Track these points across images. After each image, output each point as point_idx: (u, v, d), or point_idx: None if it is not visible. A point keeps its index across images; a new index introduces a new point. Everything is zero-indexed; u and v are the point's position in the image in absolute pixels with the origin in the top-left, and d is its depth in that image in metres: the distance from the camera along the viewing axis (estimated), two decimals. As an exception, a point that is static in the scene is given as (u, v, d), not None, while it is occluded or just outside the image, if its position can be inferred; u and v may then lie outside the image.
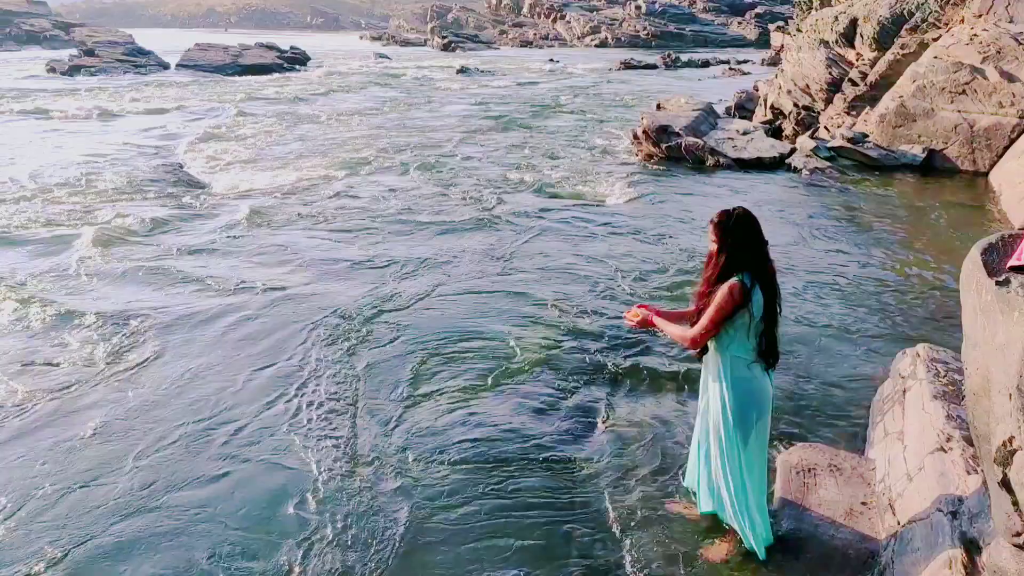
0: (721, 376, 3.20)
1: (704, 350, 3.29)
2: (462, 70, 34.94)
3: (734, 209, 3.21)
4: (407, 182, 11.61)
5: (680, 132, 13.51)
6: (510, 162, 13.16)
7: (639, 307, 3.43)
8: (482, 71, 35.46)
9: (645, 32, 61.61)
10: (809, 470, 3.86)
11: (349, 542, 3.57)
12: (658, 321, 3.35)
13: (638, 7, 66.93)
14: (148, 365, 5.40)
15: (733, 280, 3.07)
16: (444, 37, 62.13)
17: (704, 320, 3.13)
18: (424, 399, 4.95)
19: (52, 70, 32.30)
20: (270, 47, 40.96)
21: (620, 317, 6.24)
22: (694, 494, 3.61)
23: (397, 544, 3.56)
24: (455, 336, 5.92)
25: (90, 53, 35.71)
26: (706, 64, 40.14)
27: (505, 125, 17.95)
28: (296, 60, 39.68)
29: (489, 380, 5.20)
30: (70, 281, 7.12)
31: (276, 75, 33.83)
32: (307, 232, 8.87)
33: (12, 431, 4.53)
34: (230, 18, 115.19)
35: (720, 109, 18.01)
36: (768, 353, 3.17)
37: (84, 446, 4.38)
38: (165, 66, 35.71)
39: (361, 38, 79.85)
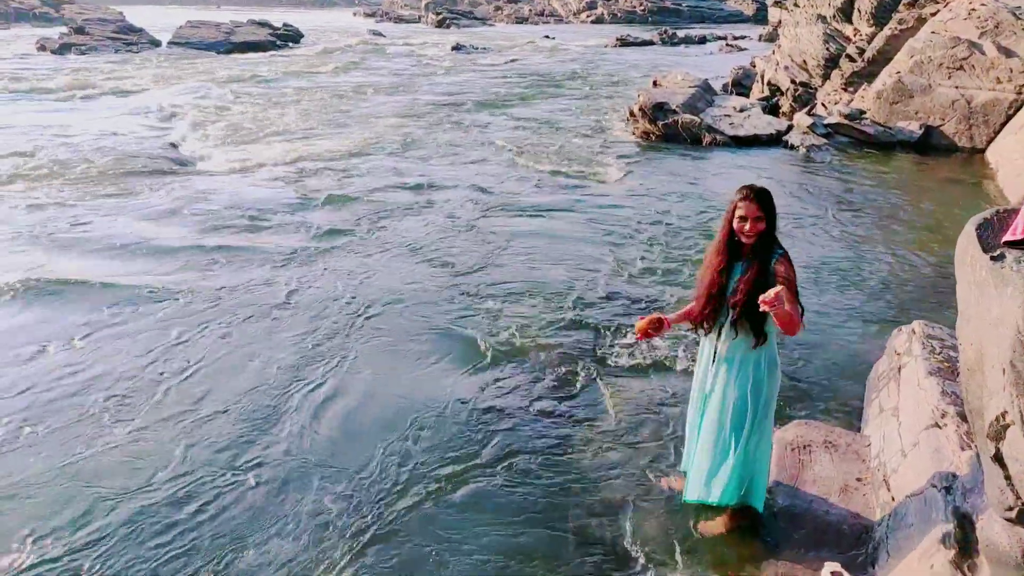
0: (760, 356, 3.16)
1: (710, 329, 3.25)
2: (456, 47, 34.58)
3: (755, 185, 3.16)
4: (395, 161, 11.53)
5: (676, 109, 13.43)
6: (503, 141, 13.07)
7: (643, 319, 3.28)
8: (477, 48, 35.09)
9: (642, 8, 61.06)
10: (804, 447, 3.88)
11: (347, 523, 3.59)
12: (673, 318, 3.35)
13: (635, -18, 66.24)
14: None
15: (783, 253, 3.07)
16: (438, 14, 61.42)
17: (794, 298, 2.93)
18: (419, 380, 4.95)
19: (42, 48, 31.87)
20: (262, 24, 40.44)
21: (618, 297, 6.26)
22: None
23: (395, 519, 3.58)
24: (450, 320, 5.91)
25: (80, 31, 35.19)
26: (703, 40, 39.81)
27: (499, 103, 17.81)
28: (289, 37, 39.23)
29: (487, 360, 5.20)
30: (77, 258, 7.08)
31: (269, 52, 33.46)
32: (300, 209, 8.81)
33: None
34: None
35: (717, 86, 17.90)
36: None
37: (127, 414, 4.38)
38: (156, 44, 35.25)
39: (355, 15, 78.95)
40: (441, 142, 12.97)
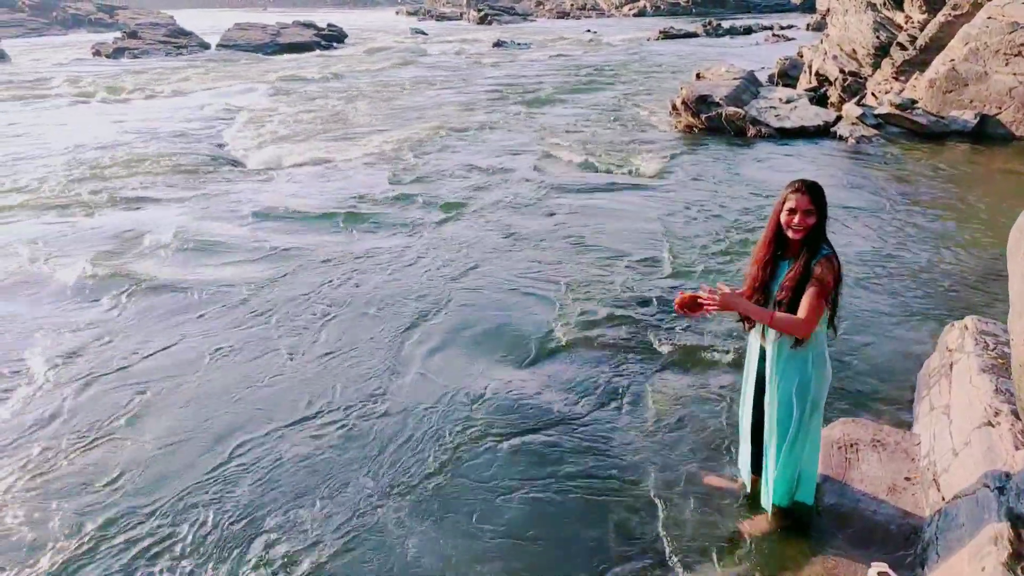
0: (807, 354, 3.07)
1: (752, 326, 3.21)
2: (498, 43, 34.66)
3: (806, 180, 3.09)
4: (440, 157, 11.62)
5: (720, 102, 13.25)
6: (546, 134, 13.07)
7: (688, 295, 3.13)
8: (519, 43, 35.11)
9: (685, 0, 60.27)
10: (851, 445, 3.81)
11: (385, 518, 3.65)
12: (737, 301, 3.00)
13: (677, -26, 65.38)
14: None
15: (829, 253, 3.00)
16: (480, 10, 61.57)
17: (813, 301, 2.92)
18: (461, 374, 5.00)
19: (97, 53, 32.95)
20: (308, 25, 41.12)
21: (661, 293, 6.22)
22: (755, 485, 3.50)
23: (434, 515, 3.63)
24: (493, 312, 5.96)
25: (133, 35, 36.28)
26: (749, 31, 39.12)
27: (541, 97, 17.80)
28: (333, 37, 39.81)
29: (531, 354, 5.23)
30: (145, 259, 7.33)
31: (314, 52, 34.00)
32: (341, 205, 8.96)
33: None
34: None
35: (763, 77, 17.59)
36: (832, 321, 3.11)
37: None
38: (206, 46, 36.13)
39: (397, 13, 79.69)
40: (485, 134, 13.03)
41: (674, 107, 13.92)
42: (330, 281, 6.66)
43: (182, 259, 7.34)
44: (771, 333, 3.12)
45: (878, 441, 3.85)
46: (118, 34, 38.01)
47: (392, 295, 6.31)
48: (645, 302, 6.04)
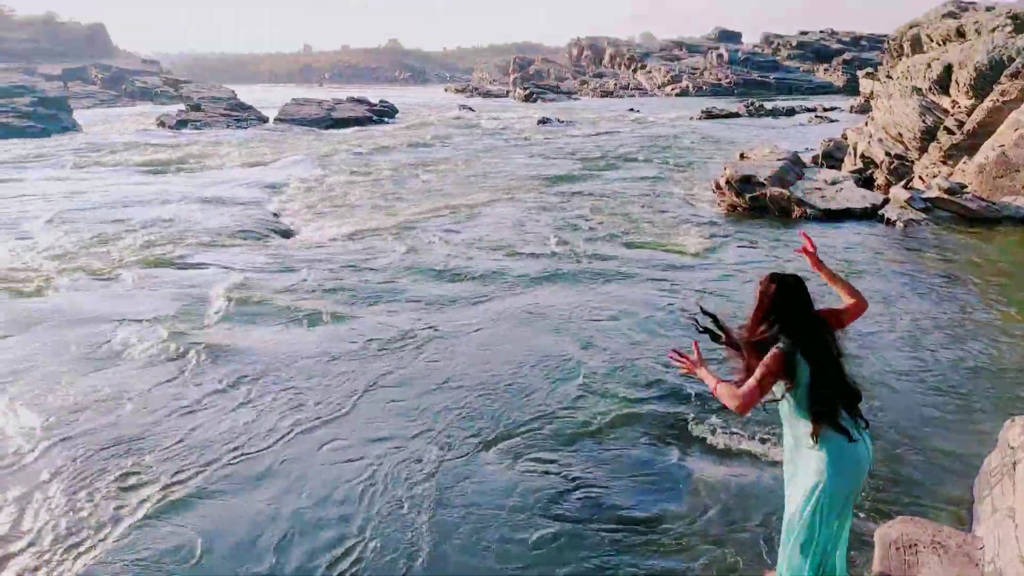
0: (812, 456, 3.01)
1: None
2: (543, 120, 35.55)
3: (780, 275, 3.08)
4: (483, 227, 11.81)
5: (764, 182, 13.30)
6: (589, 210, 13.22)
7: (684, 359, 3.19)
8: (562, 121, 35.96)
9: (727, 80, 61.40)
10: (910, 546, 3.64)
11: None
12: (703, 373, 3.11)
13: (719, 56, 66.88)
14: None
15: (775, 349, 2.93)
16: (526, 88, 63.54)
17: (751, 382, 2.93)
18: (498, 448, 4.95)
19: (162, 124, 34.69)
20: (360, 101, 42.84)
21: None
22: None
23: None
24: (531, 386, 5.92)
25: (196, 108, 38.21)
26: (791, 112, 39.48)
27: (584, 173, 18.10)
28: (385, 112, 41.31)
29: (567, 432, 5.16)
30: (214, 324, 7.52)
31: (366, 127, 35.30)
32: (392, 276, 9.11)
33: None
34: (324, 74, 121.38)
35: (807, 158, 17.64)
36: (827, 414, 2.95)
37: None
38: (264, 120, 37.78)
39: (446, 90, 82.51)
40: (527, 206, 13.24)
41: (717, 186, 14.01)
42: (378, 353, 6.73)
43: (241, 323, 7.52)
44: (785, 428, 3.13)
45: (938, 543, 3.66)
46: (182, 106, 40.05)
47: (426, 372, 6.33)
48: (680, 381, 5.96)
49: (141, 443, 5.08)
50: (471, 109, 47.39)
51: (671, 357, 3.22)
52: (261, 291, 8.66)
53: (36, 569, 3.83)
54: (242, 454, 4.93)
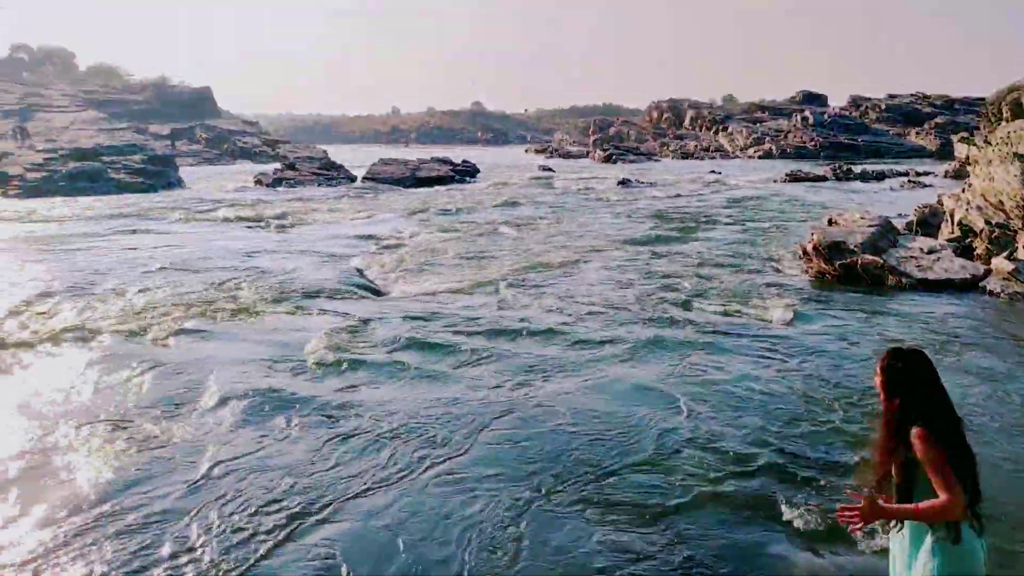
0: (929, 543, 2.82)
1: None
2: (623, 181, 35.67)
3: (904, 349, 2.94)
4: (573, 286, 11.82)
5: (855, 248, 12.88)
6: (669, 274, 13.08)
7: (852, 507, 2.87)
8: (643, 182, 36.00)
9: (812, 143, 60.27)
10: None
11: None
12: (881, 508, 2.81)
13: (804, 118, 65.91)
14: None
15: (917, 429, 2.76)
16: (605, 150, 64.03)
17: (941, 475, 2.69)
18: (574, 526, 4.84)
19: (259, 182, 36.61)
20: (444, 160, 44.15)
21: (788, 455, 5.87)
22: None
23: None
24: (614, 462, 5.81)
25: (291, 167, 40.20)
26: (882, 176, 38.31)
27: (668, 234, 17.99)
28: (467, 172, 42.39)
29: (653, 512, 5.02)
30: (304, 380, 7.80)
31: (448, 186, 36.29)
32: (471, 336, 9.19)
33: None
34: (411, 135, 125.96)
35: (899, 225, 17.03)
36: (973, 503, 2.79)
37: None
38: (352, 179, 39.37)
39: (527, 151, 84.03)
40: (607, 269, 13.21)
41: (804, 252, 13.65)
42: (479, 412, 6.77)
43: (335, 378, 7.77)
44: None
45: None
46: (278, 165, 42.24)
47: (505, 437, 6.31)
48: (775, 460, 5.72)
49: (292, 479, 5.44)
50: (551, 170, 48.07)
51: (840, 517, 2.91)
52: (361, 346, 8.90)
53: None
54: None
